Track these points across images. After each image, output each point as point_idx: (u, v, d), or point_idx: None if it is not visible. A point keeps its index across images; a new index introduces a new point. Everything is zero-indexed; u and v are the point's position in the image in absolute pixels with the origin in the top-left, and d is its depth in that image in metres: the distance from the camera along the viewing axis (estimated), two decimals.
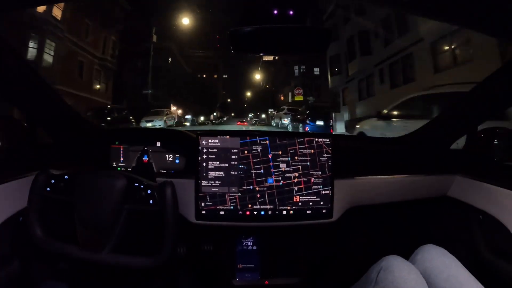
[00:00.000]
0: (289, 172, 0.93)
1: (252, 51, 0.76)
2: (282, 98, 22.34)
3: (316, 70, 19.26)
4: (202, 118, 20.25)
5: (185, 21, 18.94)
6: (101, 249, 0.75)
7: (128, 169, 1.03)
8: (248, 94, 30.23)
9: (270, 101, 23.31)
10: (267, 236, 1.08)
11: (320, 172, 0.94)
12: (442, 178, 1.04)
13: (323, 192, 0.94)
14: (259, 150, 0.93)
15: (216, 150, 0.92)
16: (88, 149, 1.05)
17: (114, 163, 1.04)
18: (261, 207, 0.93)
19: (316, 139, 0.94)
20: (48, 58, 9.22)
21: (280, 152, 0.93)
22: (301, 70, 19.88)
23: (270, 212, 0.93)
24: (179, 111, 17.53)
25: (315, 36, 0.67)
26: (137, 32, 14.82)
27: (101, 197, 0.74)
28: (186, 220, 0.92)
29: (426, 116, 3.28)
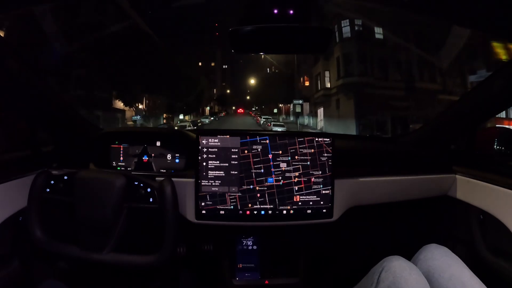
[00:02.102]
0: (289, 171, 0.93)
1: (253, 50, 0.77)
2: (307, 83, 15.05)
3: (378, 32, 10.34)
4: (181, 116, 14.07)
5: None
6: (102, 248, 0.75)
7: (128, 169, 1.03)
8: (252, 82, 23.72)
9: (283, 90, 17.01)
10: (267, 236, 1.08)
11: (320, 172, 0.94)
12: (442, 178, 1.04)
13: (323, 192, 0.94)
14: (259, 150, 0.93)
15: (216, 149, 0.92)
16: (88, 149, 1.05)
17: (114, 163, 1.04)
18: (261, 206, 0.92)
19: (317, 139, 0.94)
20: None
21: (280, 152, 0.93)
22: (357, 29, 10.58)
23: (270, 212, 0.93)
24: (140, 106, 11.16)
25: (315, 35, 0.67)
26: None
27: (101, 196, 0.74)
28: (186, 220, 0.92)
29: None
